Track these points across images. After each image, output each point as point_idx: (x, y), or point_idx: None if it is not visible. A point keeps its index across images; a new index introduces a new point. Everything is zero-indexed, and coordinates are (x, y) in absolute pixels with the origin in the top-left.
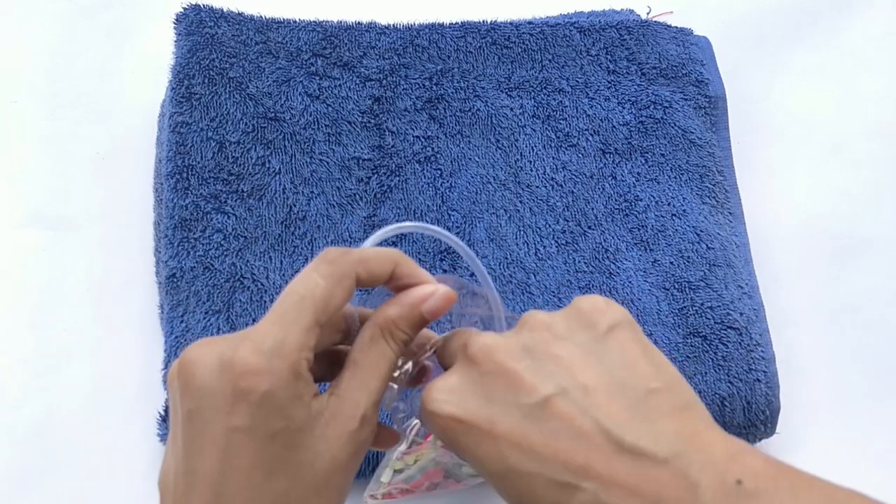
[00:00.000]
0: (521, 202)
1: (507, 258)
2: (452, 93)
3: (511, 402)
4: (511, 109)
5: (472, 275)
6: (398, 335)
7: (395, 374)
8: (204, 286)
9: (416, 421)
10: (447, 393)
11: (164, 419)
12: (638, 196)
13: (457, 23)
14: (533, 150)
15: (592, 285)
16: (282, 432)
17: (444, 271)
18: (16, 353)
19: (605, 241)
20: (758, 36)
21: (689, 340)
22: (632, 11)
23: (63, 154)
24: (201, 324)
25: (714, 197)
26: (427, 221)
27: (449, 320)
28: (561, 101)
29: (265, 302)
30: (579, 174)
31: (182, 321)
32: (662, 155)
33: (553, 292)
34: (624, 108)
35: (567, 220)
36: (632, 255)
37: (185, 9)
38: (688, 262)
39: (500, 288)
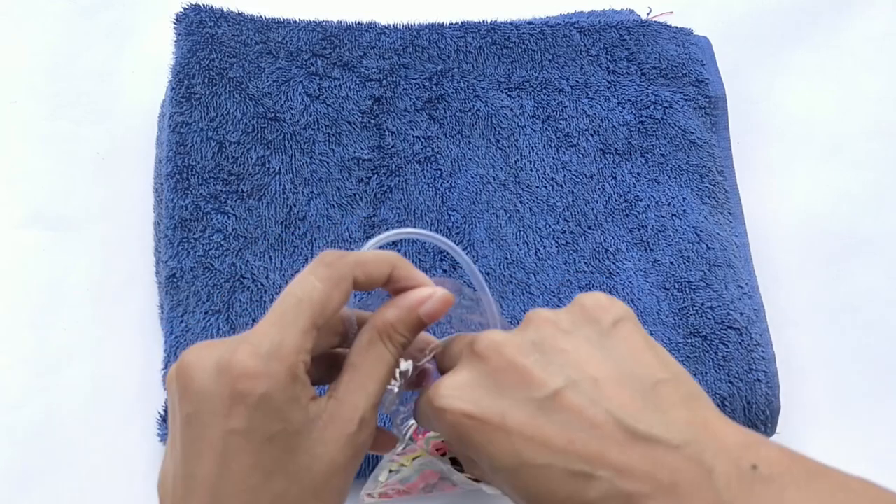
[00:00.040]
0: (521, 202)
1: (507, 258)
2: (452, 93)
3: (522, 396)
4: (511, 109)
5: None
6: (396, 338)
7: (396, 376)
8: (204, 286)
9: (414, 422)
10: (457, 389)
11: (164, 419)
12: (638, 196)
13: (457, 23)
14: (533, 150)
15: (592, 285)
16: (279, 435)
17: (444, 272)
18: (16, 353)
19: (605, 241)
20: (758, 36)
21: (689, 340)
22: (632, 11)
23: (63, 154)
24: (201, 324)
25: (714, 197)
26: (427, 221)
27: (449, 322)
28: (561, 101)
29: (265, 302)
30: (579, 174)
31: (182, 321)
32: (662, 155)
33: (553, 292)
34: (624, 108)
35: (567, 221)
36: (632, 255)
37: (185, 9)
38: (688, 262)
39: (500, 288)
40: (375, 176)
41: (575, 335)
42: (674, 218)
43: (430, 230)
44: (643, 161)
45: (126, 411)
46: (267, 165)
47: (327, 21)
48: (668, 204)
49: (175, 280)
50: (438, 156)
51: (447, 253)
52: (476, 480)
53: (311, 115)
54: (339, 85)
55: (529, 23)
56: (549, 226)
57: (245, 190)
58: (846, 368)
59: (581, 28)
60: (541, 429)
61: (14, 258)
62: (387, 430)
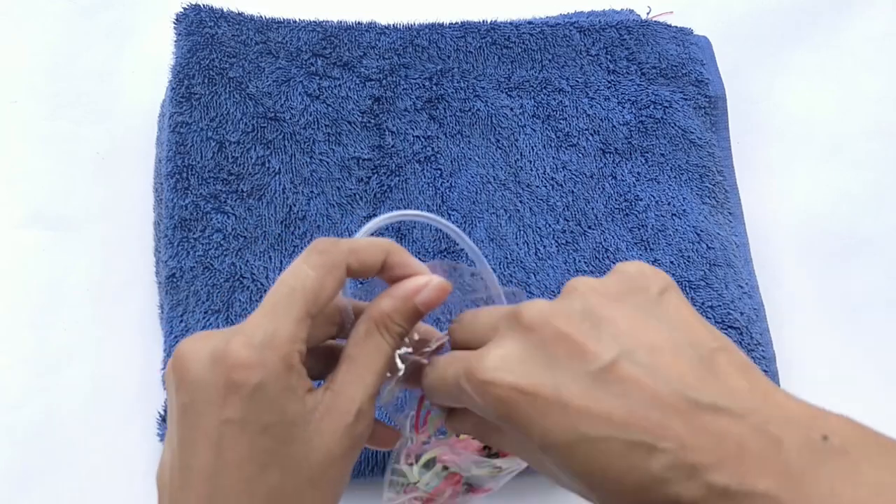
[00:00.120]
0: (521, 202)
1: (507, 258)
2: (452, 93)
3: (576, 368)
4: (511, 109)
5: (473, 263)
6: (393, 328)
7: (398, 365)
8: (203, 286)
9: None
10: (504, 361)
11: (164, 419)
12: (638, 196)
13: (457, 23)
14: (533, 149)
15: None
16: (274, 425)
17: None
18: (16, 353)
19: (605, 240)
20: (758, 36)
21: None
22: (632, 11)
23: (63, 154)
24: (201, 323)
25: (714, 197)
26: None
27: (446, 307)
28: (561, 101)
29: None
30: (579, 174)
31: (182, 321)
32: (662, 155)
33: (553, 292)
34: (624, 107)
35: (567, 220)
36: (632, 254)
37: (185, 9)
38: (688, 261)
39: None
40: (375, 176)
41: (624, 303)
42: (674, 217)
43: (430, 230)
44: (643, 161)
45: (126, 411)
46: (267, 165)
47: (327, 21)
48: (668, 203)
49: (175, 280)
50: (438, 155)
51: (448, 252)
52: (494, 456)
53: (311, 115)
54: (339, 85)
55: (529, 23)
56: (549, 225)
57: (245, 190)
58: (846, 368)
59: (581, 28)
60: (599, 401)
61: (14, 258)
62: (387, 425)
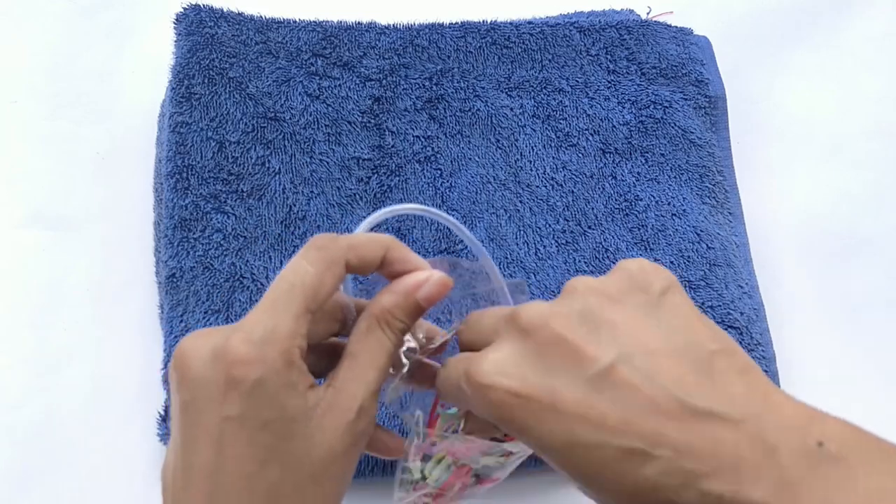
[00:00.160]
0: (521, 202)
1: (507, 258)
2: (452, 93)
3: (573, 372)
4: (511, 109)
5: (475, 258)
6: (395, 324)
7: (404, 362)
8: (203, 286)
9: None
10: (501, 365)
11: (164, 419)
12: (638, 196)
13: (457, 23)
14: (533, 149)
15: None
16: (274, 421)
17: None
18: (16, 353)
19: (605, 240)
20: (758, 36)
21: None
22: (632, 11)
23: (63, 154)
24: (201, 323)
25: (714, 197)
26: (427, 220)
27: (449, 300)
28: (561, 101)
29: None
30: (579, 174)
31: (182, 321)
32: (662, 155)
33: (553, 292)
34: (624, 107)
35: (567, 220)
36: (632, 254)
37: (185, 9)
38: (688, 261)
39: None
40: (375, 176)
41: (624, 304)
42: (674, 217)
43: (430, 229)
44: (643, 161)
45: (126, 411)
46: (267, 165)
47: (327, 21)
48: (668, 203)
49: (175, 280)
50: (438, 155)
51: (449, 252)
52: (499, 440)
53: (311, 115)
54: (339, 85)
55: (529, 23)
56: (549, 225)
57: (245, 190)
58: (846, 368)
59: (581, 28)
60: (594, 407)
61: (14, 258)
62: (391, 433)
